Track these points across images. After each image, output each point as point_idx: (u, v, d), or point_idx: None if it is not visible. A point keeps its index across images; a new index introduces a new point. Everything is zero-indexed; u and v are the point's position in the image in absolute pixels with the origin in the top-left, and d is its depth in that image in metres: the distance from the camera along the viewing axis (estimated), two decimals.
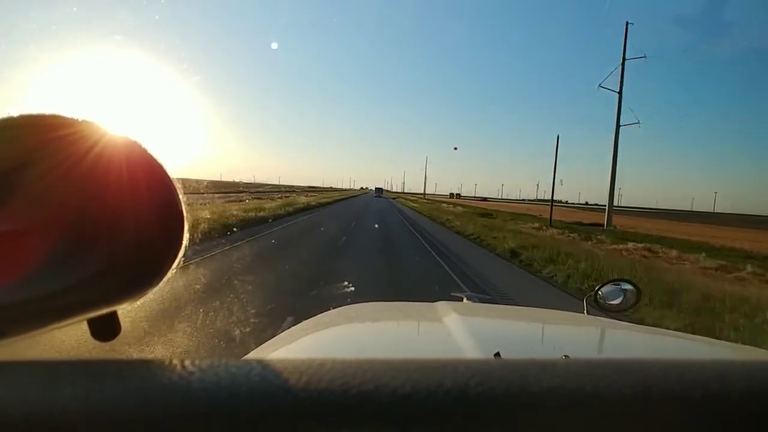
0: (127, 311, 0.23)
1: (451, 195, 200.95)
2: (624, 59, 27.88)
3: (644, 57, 28.51)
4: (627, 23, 28.00)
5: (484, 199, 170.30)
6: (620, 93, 27.71)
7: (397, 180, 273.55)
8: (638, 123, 28.98)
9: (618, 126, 27.81)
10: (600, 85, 28.36)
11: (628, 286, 1.36)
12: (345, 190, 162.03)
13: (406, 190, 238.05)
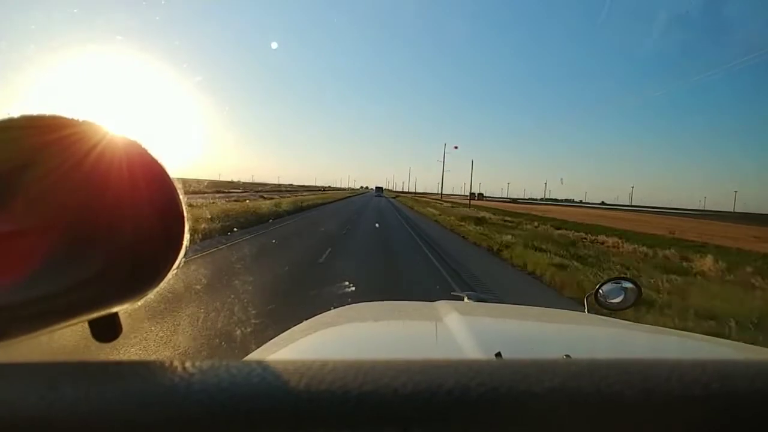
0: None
1: (472, 196, 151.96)
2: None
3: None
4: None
5: (514, 201, 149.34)
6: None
7: (399, 179, 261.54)
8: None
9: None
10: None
11: (629, 285, 1.38)
12: (343, 189, 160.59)
13: (410, 189, 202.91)
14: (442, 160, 72.72)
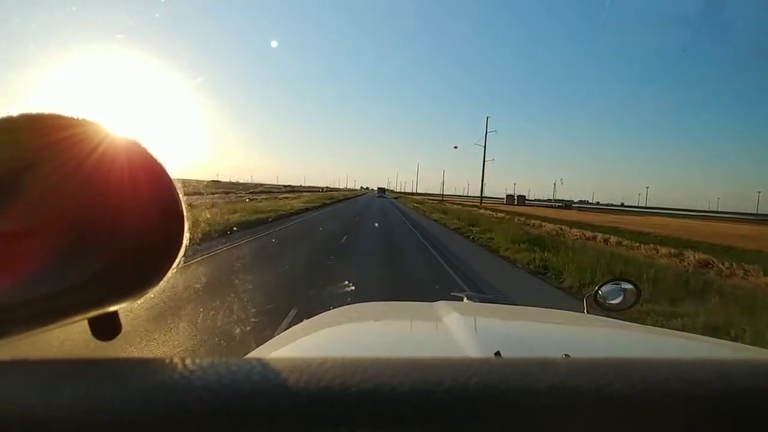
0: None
1: (510, 199, 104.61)
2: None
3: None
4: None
5: (567, 206, 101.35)
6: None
7: (400, 180, 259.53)
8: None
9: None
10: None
11: (628, 286, 1.41)
12: (341, 190, 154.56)
13: (416, 190, 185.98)
14: (483, 144, 51.79)
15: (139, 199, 0.23)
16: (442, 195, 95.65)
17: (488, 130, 55.33)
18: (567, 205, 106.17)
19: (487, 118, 59.01)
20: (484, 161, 54.20)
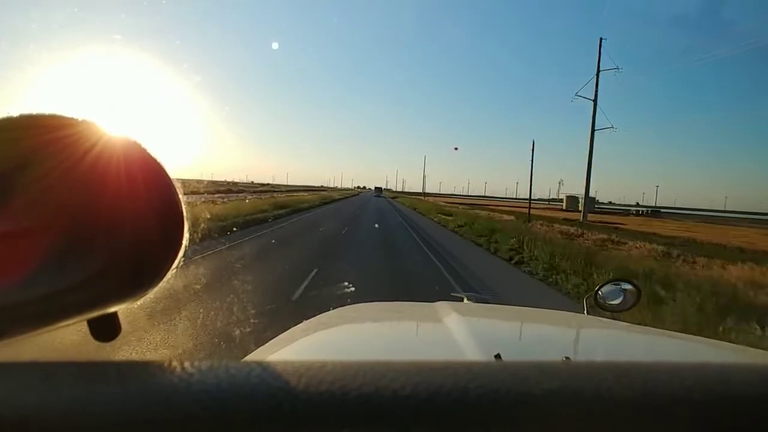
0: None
1: (571, 202, 58.54)
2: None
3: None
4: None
5: (655, 213, 70.96)
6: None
7: (403, 176, 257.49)
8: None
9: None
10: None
11: (628, 286, 1.42)
12: (330, 189, 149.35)
13: (424, 189, 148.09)
14: (591, 96, 27.64)
15: (138, 199, 0.23)
16: (530, 202, 21.47)
17: (602, 68, 28.35)
18: (654, 211, 76.67)
19: (601, 39, 28.91)
20: (593, 128, 27.76)
